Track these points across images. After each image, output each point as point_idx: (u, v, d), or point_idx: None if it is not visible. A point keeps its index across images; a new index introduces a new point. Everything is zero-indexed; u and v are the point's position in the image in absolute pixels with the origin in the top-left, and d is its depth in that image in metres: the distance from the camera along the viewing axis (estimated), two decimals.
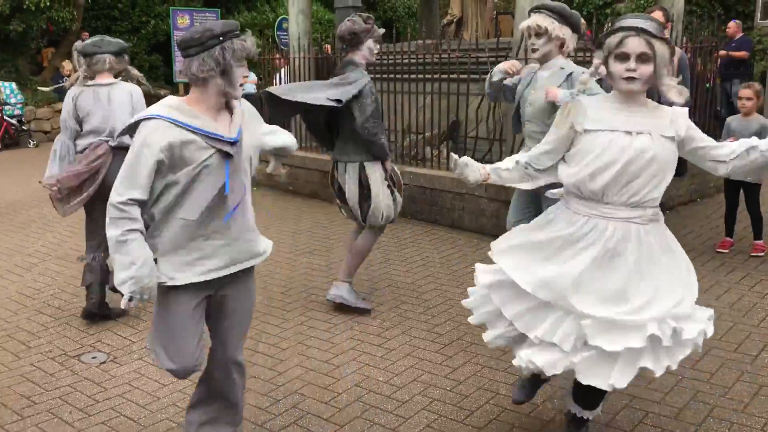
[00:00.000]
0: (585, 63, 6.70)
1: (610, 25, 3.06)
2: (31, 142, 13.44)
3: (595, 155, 2.60)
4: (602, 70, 2.66)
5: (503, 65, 4.10)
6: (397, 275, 5.45)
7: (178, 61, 16.70)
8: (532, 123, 3.99)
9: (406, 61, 7.56)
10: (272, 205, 8.00)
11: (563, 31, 3.84)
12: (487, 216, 6.54)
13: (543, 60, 3.95)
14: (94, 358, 4.03)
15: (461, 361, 3.92)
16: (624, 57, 2.54)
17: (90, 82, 4.42)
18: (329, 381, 3.71)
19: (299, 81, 8.76)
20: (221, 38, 2.45)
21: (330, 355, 4.02)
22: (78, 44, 4.56)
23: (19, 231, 6.97)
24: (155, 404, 3.49)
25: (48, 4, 14.24)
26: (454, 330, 4.35)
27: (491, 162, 3.86)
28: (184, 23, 16.80)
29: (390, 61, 7.73)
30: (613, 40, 2.57)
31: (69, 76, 11.74)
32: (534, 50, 3.91)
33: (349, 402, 3.48)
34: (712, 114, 8.04)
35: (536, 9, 3.91)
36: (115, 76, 4.53)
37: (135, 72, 4.71)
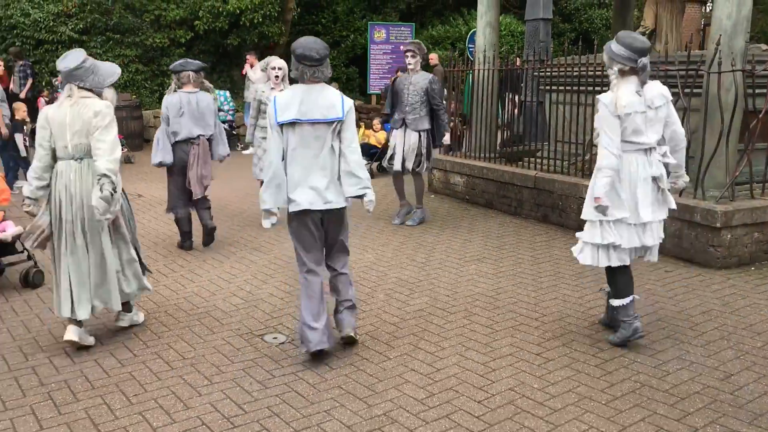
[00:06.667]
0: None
1: None
2: (240, 145, 14.79)
3: None
4: None
5: None
6: (566, 288, 5.42)
7: (373, 74, 17.57)
8: None
9: (591, 73, 7.45)
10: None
11: None
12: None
13: None
14: (275, 338, 4.47)
15: (620, 377, 3.86)
16: None
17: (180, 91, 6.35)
18: (484, 382, 3.82)
19: (482, 93, 8.92)
20: None
21: (488, 359, 4.13)
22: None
23: (222, 224, 7.76)
24: (323, 384, 3.81)
25: (261, 20, 15.66)
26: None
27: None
28: (380, 37, 17.65)
29: (575, 73, 7.66)
30: None
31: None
32: None
33: (502, 404, 3.58)
34: None
35: None
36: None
37: (208, 84, 6.75)
